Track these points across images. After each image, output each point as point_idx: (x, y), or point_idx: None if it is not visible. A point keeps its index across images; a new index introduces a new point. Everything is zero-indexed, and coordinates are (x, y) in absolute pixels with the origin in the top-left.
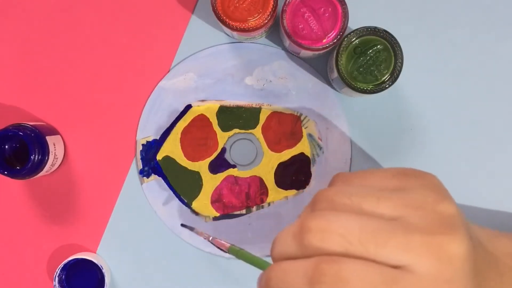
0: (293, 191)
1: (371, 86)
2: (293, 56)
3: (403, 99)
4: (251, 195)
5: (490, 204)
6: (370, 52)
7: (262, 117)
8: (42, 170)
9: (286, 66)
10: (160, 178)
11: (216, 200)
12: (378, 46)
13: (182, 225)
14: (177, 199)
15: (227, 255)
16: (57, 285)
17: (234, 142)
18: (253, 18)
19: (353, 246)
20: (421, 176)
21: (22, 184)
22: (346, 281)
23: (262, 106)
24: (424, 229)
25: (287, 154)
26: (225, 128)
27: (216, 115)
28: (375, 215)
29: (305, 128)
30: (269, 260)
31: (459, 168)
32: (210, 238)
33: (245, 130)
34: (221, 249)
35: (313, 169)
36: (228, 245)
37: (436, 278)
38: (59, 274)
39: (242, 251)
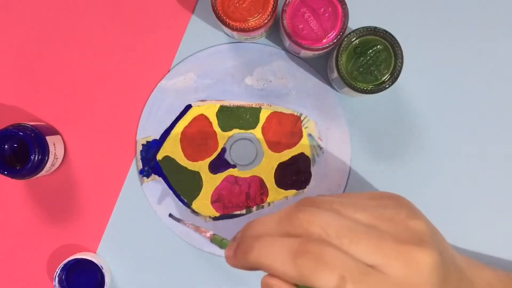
0: (293, 191)
1: (371, 86)
2: (293, 56)
3: (403, 99)
4: (251, 195)
5: (490, 203)
6: (370, 52)
7: (262, 117)
8: (42, 170)
9: (286, 66)
10: (160, 178)
11: (216, 200)
12: (378, 46)
13: (170, 215)
14: (177, 199)
15: None
16: (57, 285)
17: (234, 142)
18: (253, 18)
19: (330, 238)
20: (395, 198)
21: (22, 184)
22: (326, 262)
23: (262, 106)
24: (395, 237)
25: (287, 154)
26: (225, 128)
27: (216, 115)
28: (352, 219)
29: (305, 128)
30: None
31: (459, 168)
32: (195, 228)
33: (245, 130)
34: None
35: (313, 169)
36: (210, 233)
37: (403, 281)
38: (59, 274)
39: (224, 241)
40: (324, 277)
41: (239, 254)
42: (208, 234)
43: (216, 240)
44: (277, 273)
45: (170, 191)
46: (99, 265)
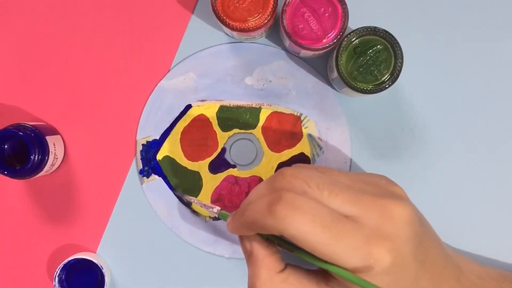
0: None
1: (371, 86)
2: (293, 56)
3: (403, 99)
4: None
5: (490, 203)
6: (370, 52)
7: (262, 117)
8: (42, 170)
9: (286, 66)
10: (160, 178)
11: (216, 200)
12: (378, 46)
13: (175, 193)
14: (177, 199)
15: (227, 255)
16: (57, 285)
17: (234, 142)
18: (253, 18)
19: (311, 189)
20: (376, 174)
21: (22, 184)
22: (298, 207)
23: (262, 106)
24: (373, 194)
25: (287, 154)
26: (225, 128)
27: (216, 115)
28: (334, 178)
29: (305, 128)
30: None
31: (459, 168)
32: (202, 203)
33: (245, 130)
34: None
35: None
36: (217, 209)
37: (376, 231)
38: (59, 274)
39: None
40: (296, 221)
41: (235, 217)
42: (215, 210)
43: (224, 216)
44: (260, 225)
45: (170, 191)
46: (99, 265)
